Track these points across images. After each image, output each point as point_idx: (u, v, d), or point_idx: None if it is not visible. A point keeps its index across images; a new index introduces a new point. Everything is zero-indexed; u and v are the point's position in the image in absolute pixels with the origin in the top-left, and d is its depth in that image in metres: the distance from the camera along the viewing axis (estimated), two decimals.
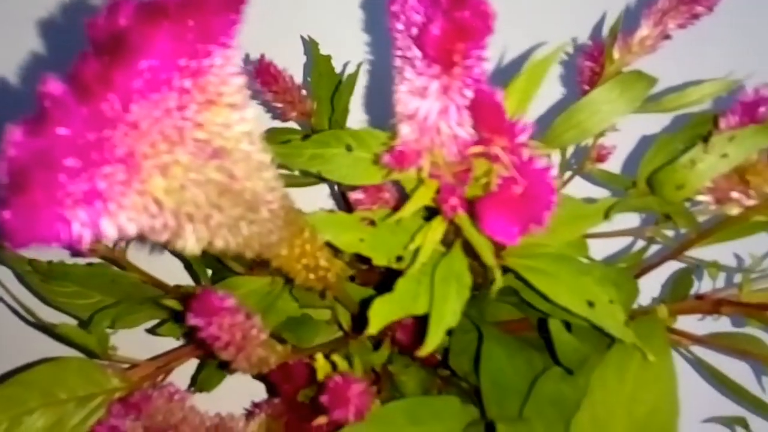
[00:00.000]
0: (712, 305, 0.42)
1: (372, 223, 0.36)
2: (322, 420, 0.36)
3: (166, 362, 0.49)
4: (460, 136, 0.29)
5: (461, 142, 0.29)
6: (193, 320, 0.33)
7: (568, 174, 0.46)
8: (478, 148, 0.28)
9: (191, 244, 0.27)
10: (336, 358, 0.38)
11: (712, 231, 0.38)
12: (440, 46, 0.26)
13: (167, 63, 0.23)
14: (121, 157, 0.23)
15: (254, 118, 0.27)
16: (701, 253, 0.42)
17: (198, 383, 0.53)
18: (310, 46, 0.50)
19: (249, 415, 0.49)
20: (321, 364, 0.38)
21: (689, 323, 0.46)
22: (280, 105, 0.46)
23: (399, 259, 0.36)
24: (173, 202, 0.25)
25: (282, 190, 0.30)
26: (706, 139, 0.33)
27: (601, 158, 0.44)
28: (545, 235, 0.37)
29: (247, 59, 0.52)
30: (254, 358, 0.36)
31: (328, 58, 0.50)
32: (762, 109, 0.33)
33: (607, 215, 0.35)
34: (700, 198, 0.36)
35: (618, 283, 0.40)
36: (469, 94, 0.28)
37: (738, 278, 0.42)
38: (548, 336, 0.39)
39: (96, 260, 0.49)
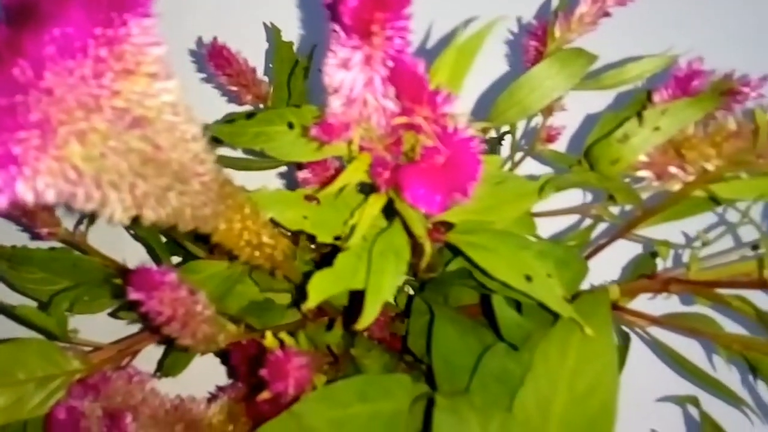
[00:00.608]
0: (662, 284, 0.42)
1: (316, 200, 0.37)
2: (265, 395, 0.36)
3: (128, 345, 0.49)
4: (388, 108, 0.29)
5: (389, 114, 0.30)
6: (133, 295, 0.34)
7: (519, 155, 0.46)
8: (402, 119, 0.29)
9: (118, 213, 0.27)
10: (283, 335, 0.39)
11: (656, 208, 0.38)
12: (358, 16, 0.26)
13: (81, 31, 0.24)
14: (36, 123, 0.23)
15: (178, 89, 0.27)
16: (652, 232, 0.42)
17: (164, 368, 0.53)
18: (272, 32, 0.51)
19: (212, 398, 0.49)
20: (269, 341, 0.39)
21: (648, 305, 0.46)
22: (234, 88, 0.47)
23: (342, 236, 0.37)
24: (93, 170, 0.25)
25: (214, 164, 0.31)
26: (640, 114, 0.33)
27: (550, 138, 0.44)
28: (490, 212, 0.38)
29: (200, 42, 0.52)
30: (200, 334, 0.37)
31: (290, 44, 0.51)
32: (695, 83, 0.33)
33: (540, 191, 0.35)
34: (641, 174, 0.36)
35: (565, 260, 0.40)
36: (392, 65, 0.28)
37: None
38: (493, 313, 0.39)
39: (58, 245, 0.50)
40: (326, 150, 0.33)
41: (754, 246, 0.38)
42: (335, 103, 0.30)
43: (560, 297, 0.34)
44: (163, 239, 0.51)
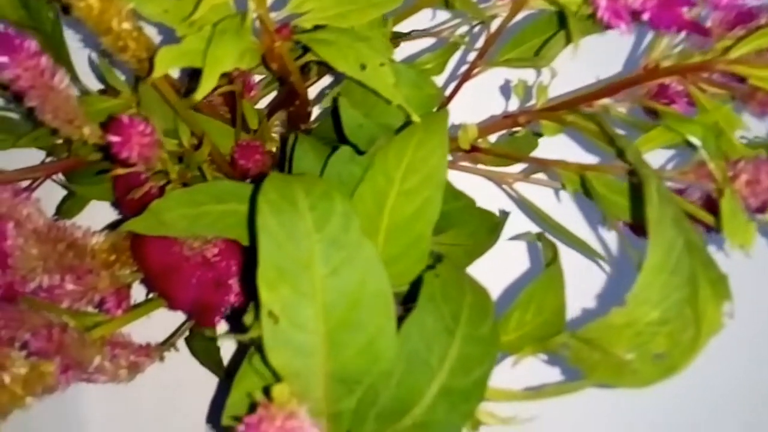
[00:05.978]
0: (513, 120, 0.44)
1: None
2: (119, 171, 0.39)
3: (31, 171, 0.52)
4: None
5: None
6: None
7: None
8: None
9: None
10: None
11: (499, 30, 0.40)
12: None
13: None
14: None
15: None
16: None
17: (62, 211, 0.56)
18: None
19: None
20: None
21: None
22: None
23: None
24: None
25: None
26: None
27: None
28: (340, 19, 0.40)
29: None
30: (61, 113, 0.39)
31: None
32: None
33: None
34: None
35: (417, 83, 0.43)
36: None
37: None
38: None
39: None
40: None
41: None
42: None
43: (391, 84, 0.37)
44: None
